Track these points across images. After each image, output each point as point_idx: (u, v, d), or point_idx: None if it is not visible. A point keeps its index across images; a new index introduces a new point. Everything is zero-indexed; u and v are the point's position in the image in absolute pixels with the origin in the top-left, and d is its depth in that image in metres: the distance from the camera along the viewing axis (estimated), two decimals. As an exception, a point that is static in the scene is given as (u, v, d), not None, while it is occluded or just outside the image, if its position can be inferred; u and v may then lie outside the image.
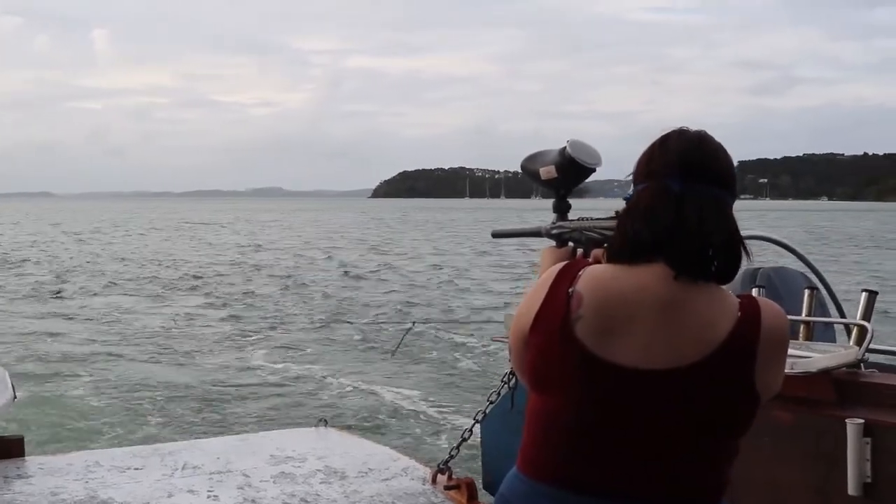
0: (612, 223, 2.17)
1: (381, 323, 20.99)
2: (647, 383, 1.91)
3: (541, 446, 2.03)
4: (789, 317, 2.17)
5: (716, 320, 1.93)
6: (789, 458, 3.51)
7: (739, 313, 1.94)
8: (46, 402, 12.61)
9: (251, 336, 19.16)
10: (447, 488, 4.45)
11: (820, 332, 4.27)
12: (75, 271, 35.58)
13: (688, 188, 1.96)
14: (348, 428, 7.54)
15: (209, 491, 4.38)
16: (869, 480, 3.25)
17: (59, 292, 26.78)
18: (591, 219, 2.47)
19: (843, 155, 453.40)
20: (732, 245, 1.98)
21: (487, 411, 4.54)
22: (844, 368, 3.56)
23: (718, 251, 1.96)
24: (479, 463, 4.97)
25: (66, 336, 19.03)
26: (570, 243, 2.51)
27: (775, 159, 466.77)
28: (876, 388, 3.47)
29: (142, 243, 56.40)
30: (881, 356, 4.13)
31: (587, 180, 2.64)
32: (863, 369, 3.64)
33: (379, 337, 18.77)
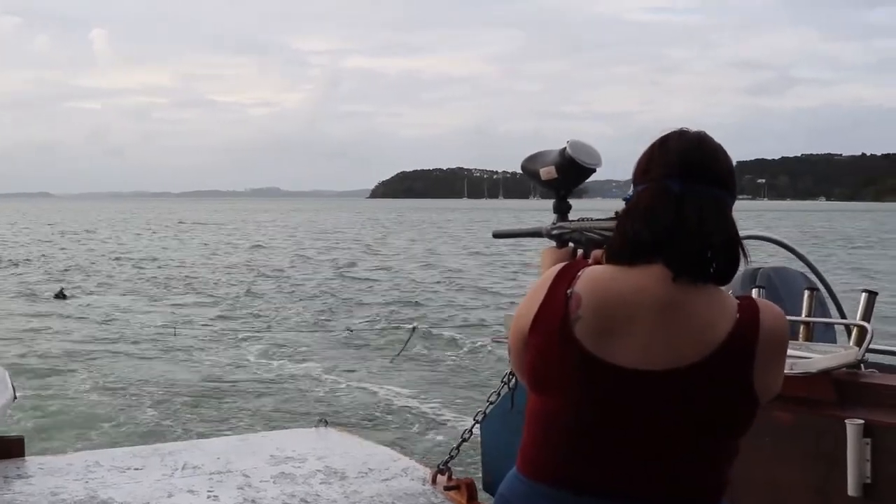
0: (613, 224, 2.17)
1: (381, 323, 21.00)
2: (646, 384, 1.91)
3: (540, 447, 2.03)
4: (788, 317, 2.17)
5: (715, 321, 1.93)
6: (789, 459, 3.51)
7: (738, 314, 1.94)
8: (46, 402, 12.62)
9: (250, 336, 19.15)
10: (447, 489, 4.45)
11: (820, 333, 4.26)
12: (72, 271, 35.55)
13: (688, 189, 1.96)
14: (348, 428, 7.53)
15: (209, 491, 4.38)
16: (869, 481, 3.25)
17: (61, 292, 26.78)
18: (592, 219, 2.47)
19: (840, 155, 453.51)
20: (732, 246, 1.98)
21: (487, 412, 4.54)
22: (844, 369, 3.57)
23: (718, 252, 1.96)
24: (479, 463, 4.97)
25: (65, 336, 19.03)
26: (571, 244, 2.51)
27: (773, 160, 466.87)
28: (876, 388, 3.47)
29: (139, 243, 56.39)
30: (881, 356, 4.14)
31: (586, 181, 2.64)
32: (863, 370, 3.65)
33: (379, 337, 18.78)
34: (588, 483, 1.95)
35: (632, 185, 2.09)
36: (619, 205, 2.12)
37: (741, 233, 2.04)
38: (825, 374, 3.51)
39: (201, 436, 9.80)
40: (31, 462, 4.85)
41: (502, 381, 4.31)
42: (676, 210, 1.95)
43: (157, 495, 4.33)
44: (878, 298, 4.09)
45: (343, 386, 14.11)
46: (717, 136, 2.07)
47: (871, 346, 3.73)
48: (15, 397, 5.13)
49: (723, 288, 2.00)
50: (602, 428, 1.94)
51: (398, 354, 15.73)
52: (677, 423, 1.91)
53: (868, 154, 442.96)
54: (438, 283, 31.61)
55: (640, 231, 1.97)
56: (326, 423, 5.67)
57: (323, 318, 22.24)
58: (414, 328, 17.37)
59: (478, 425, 4.66)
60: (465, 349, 17.22)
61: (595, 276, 1.99)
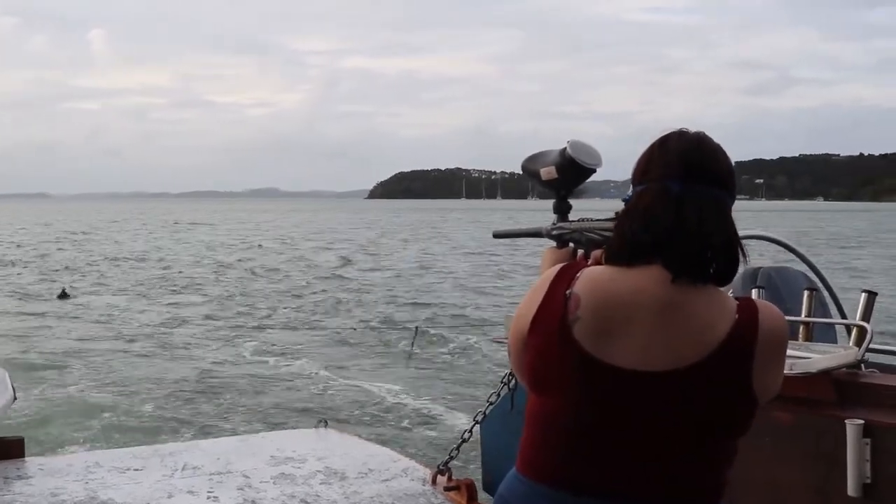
0: (613, 224, 2.17)
1: (380, 323, 21.01)
2: (645, 385, 1.91)
3: (540, 447, 2.03)
4: (788, 317, 2.17)
5: (714, 322, 1.93)
6: (789, 459, 3.51)
7: (737, 315, 1.94)
8: (46, 402, 12.63)
9: (250, 336, 19.15)
10: (447, 489, 4.44)
11: (820, 333, 4.27)
12: (70, 272, 35.53)
13: (687, 189, 1.96)
14: (348, 429, 7.54)
15: (209, 492, 4.37)
16: (868, 481, 3.26)
17: (63, 292, 26.79)
18: (592, 220, 2.48)
19: (838, 155, 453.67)
20: (731, 247, 1.98)
21: (487, 412, 4.54)
22: (844, 369, 3.57)
23: (718, 253, 1.96)
24: (479, 464, 4.97)
25: (65, 336, 19.04)
26: (571, 244, 2.51)
27: (771, 160, 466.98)
28: (876, 388, 3.48)
29: (136, 244, 56.38)
30: (881, 356, 4.15)
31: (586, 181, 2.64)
32: (863, 370, 3.65)
33: (379, 337, 18.79)
34: (587, 484, 1.95)
35: (631, 186, 2.08)
36: (617, 205, 2.11)
37: (741, 232, 2.04)
38: (825, 375, 3.51)
39: (201, 436, 9.81)
40: (31, 463, 4.85)
41: (502, 382, 4.30)
42: (676, 211, 1.94)
43: (157, 496, 4.32)
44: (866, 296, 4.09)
45: (343, 386, 14.12)
46: (716, 136, 2.06)
47: (871, 346, 3.74)
48: (15, 398, 5.12)
49: (723, 288, 2.00)
50: (601, 429, 1.94)
51: (410, 357, 15.76)
52: (676, 424, 1.91)
53: (866, 154, 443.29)
54: (435, 283, 31.62)
55: (639, 232, 1.97)
56: (326, 424, 5.66)
57: (322, 318, 22.23)
58: (416, 328, 17.39)
59: (478, 426, 4.65)
60: (465, 349, 17.23)
61: (594, 277, 1.99)
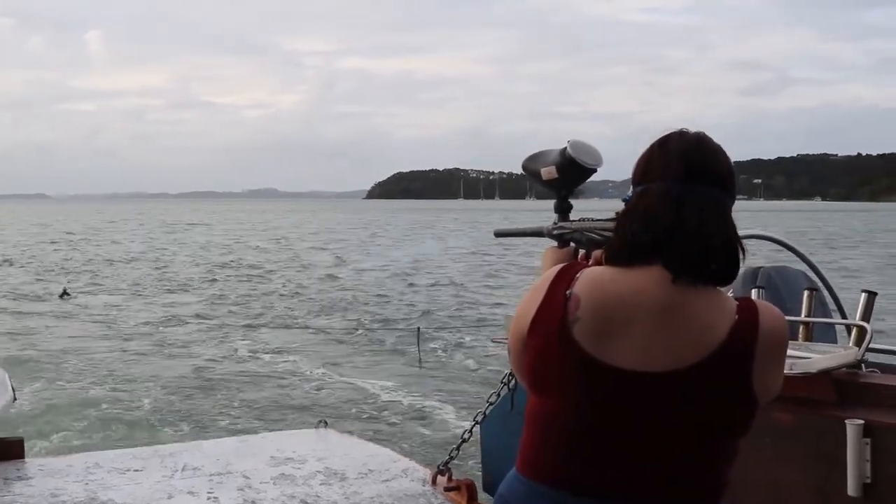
0: (614, 224, 2.17)
1: (379, 323, 21.02)
2: (645, 386, 1.91)
3: (540, 448, 2.03)
4: (788, 318, 2.17)
5: (714, 323, 1.92)
6: (789, 459, 3.51)
7: (737, 316, 1.94)
8: (46, 403, 12.63)
9: (248, 337, 19.17)
10: (447, 489, 4.44)
11: (821, 333, 4.27)
12: (68, 273, 35.52)
13: (688, 190, 1.96)
14: (348, 429, 7.54)
15: (209, 492, 4.38)
16: (868, 481, 3.25)
17: (65, 291, 26.78)
18: (593, 219, 2.47)
19: (836, 155, 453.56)
20: (732, 248, 1.98)
21: (487, 412, 4.53)
22: (844, 369, 3.57)
23: (718, 254, 1.95)
24: (479, 464, 4.97)
25: (65, 336, 19.04)
26: (572, 244, 2.51)
27: (769, 160, 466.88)
28: (876, 388, 3.47)
29: (133, 244, 56.36)
30: (882, 356, 4.14)
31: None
32: (863, 370, 3.65)
33: (379, 338, 18.80)
34: (587, 485, 1.95)
35: (630, 186, 2.08)
36: (616, 205, 2.11)
37: (740, 232, 2.04)
38: (825, 375, 3.50)
39: (201, 437, 9.81)
40: (31, 463, 4.85)
41: (502, 382, 4.30)
42: (676, 211, 1.94)
43: (157, 497, 4.33)
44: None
45: (342, 386, 14.13)
46: (715, 137, 2.06)
47: (871, 346, 3.74)
48: (15, 398, 5.12)
49: (723, 288, 2.00)
50: (601, 429, 1.94)
51: (420, 359, 15.75)
52: (676, 425, 1.91)
53: (864, 154, 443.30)
54: (432, 283, 31.63)
55: (639, 232, 1.97)
56: (326, 424, 5.66)
57: (321, 318, 22.24)
58: (418, 329, 17.40)
59: (478, 426, 4.65)
60: (465, 349, 17.23)
61: (594, 278, 1.99)
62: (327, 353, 17.14)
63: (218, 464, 4.81)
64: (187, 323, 21.14)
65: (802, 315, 4.13)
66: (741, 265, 2.01)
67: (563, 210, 2.64)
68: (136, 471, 4.70)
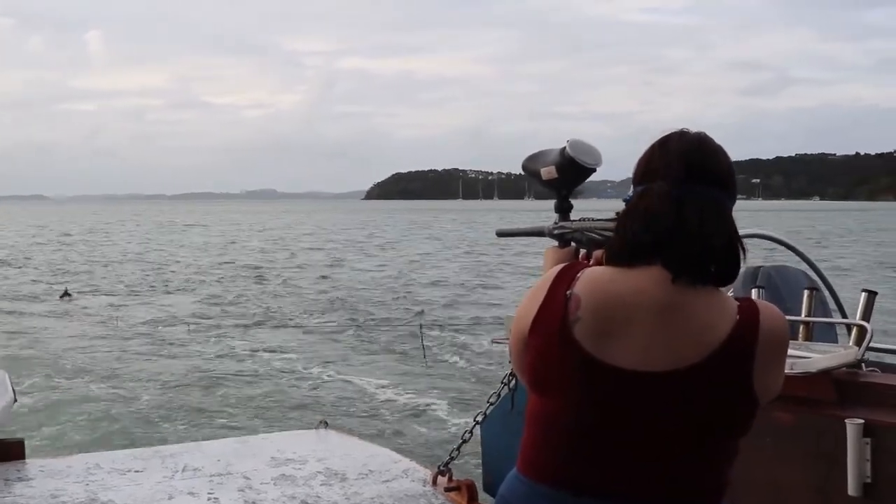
0: (615, 224, 2.17)
1: (378, 323, 21.02)
2: (645, 385, 1.91)
3: (540, 448, 2.03)
4: (788, 317, 2.17)
5: (714, 323, 1.92)
6: (790, 459, 3.51)
7: (738, 316, 1.94)
8: (47, 404, 12.63)
9: (249, 338, 19.16)
10: (448, 490, 4.44)
11: (821, 332, 4.27)
12: (66, 273, 35.53)
13: (688, 190, 1.96)
14: (349, 429, 7.54)
15: (209, 493, 4.37)
16: (869, 480, 3.25)
17: (66, 292, 26.78)
18: (594, 219, 2.48)
19: (835, 155, 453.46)
20: (732, 248, 1.98)
21: (488, 412, 4.53)
22: (844, 368, 3.57)
23: (718, 254, 1.96)
24: (480, 464, 4.97)
25: (64, 337, 19.04)
26: (573, 244, 2.51)
27: (768, 159, 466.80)
28: (876, 388, 3.47)
29: (131, 245, 56.37)
30: (883, 355, 4.15)
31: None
32: (863, 369, 3.66)
33: (379, 338, 18.80)
34: (587, 485, 1.95)
35: (629, 186, 2.08)
36: (614, 205, 2.12)
37: (741, 231, 2.04)
38: (825, 374, 3.51)
39: (201, 437, 9.81)
40: (32, 464, 4.85)
41: (502, 382, 4.30)
42: (677, 211, 1.94)
43: (157, 497, 4.32)
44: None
45: (342, 386, 14.13)
46: (714, 137, 2.07)
47: (872, 345, 3.74)
48: (15, 399, 5.12)
49: (724, 288, 2.00)
50: (602, 429, 1.94)
51: (425, 358, 15.75)
52: (677, 425, 1.91)
53: (862, 154, 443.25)
54: (428, 283, 31.65)
55: (639, 232, 1.97)
56: (327, 425, 5.66)
57: (320, 318, 22.24)
58: (420, 326, 17.40)
59: (478, 426, 4.65)
60: (465, 349, 17.24)
61: (594, 278, 1.99)
62: (327, 353, 17.15)
63: (218, 464, 4.81)
64: (186, 323, 21.14)
65: (802, 315, 4.13)
66: (742, 265, 2.02)
67: (564, 210, 2.64)
68: (137, 471, 4.70)
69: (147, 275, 34.96)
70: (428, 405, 12.82)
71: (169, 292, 28.85)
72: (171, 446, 5.76)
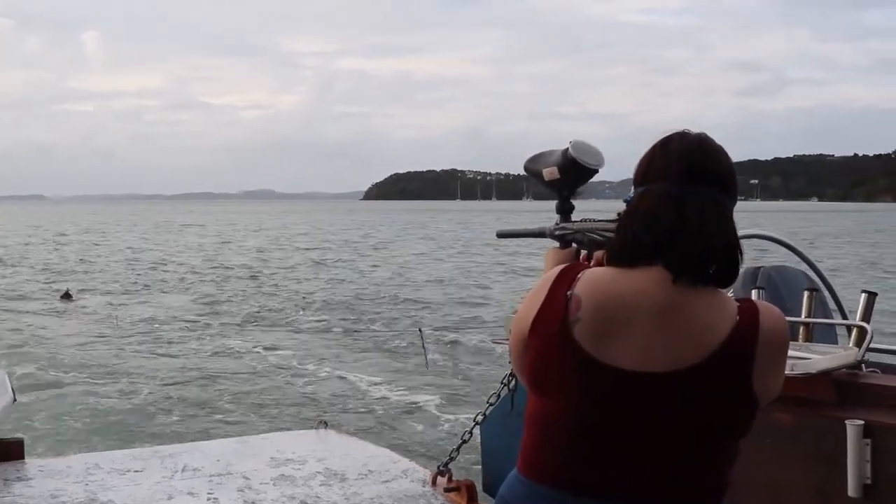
0: (615, 225, 2.17)
1: (378, 324, 21.03)
2: (645, 386, 1.91)
3: (540, 448, 2.03)
4: (788, 318, 2.18)
5: (714, 323, 1.92)
6: (790, 460, 3.51)
7: (738, 317, 1.94)
8: (46, 404, 12.62)
9: (248, 338, 19.14)
10: (447, 490, 4.44)
11: (821, 332, 4.27)
12: (64, 273, 35.52)
13: (689, 191, 1.96)
14: (348, 430, 7.53)
15: (209, 493, 4.38)
16: (869, 481, 3.26)
17: (67, 293, 26.76)
18: (595, 220, 2.48)
19: (833, 156, 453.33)
20: (732, 249, 1.98)
21: (487, 413, 4.53)
22: (844, 369, 3.57)
23: (718, 254, 1.96)
24: (479, 465, 4.97)
25: (64, 337, 19.02)
26: (574, 244, 2.51)
27: (766, 160, 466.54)
28: (876, 389, 3.48)
29: (128, 245, 56.37)
30: (883, 356, 4.16)
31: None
32: (863, 370, 3.66)
33: (378, 339, 18.80)
34: (587, 485, 1.95)
35: (629, 187, 2.08)
36: (612, 206, 2.12)
37: (741, 232, 2.04)
38: (825, 375, 3.51)
39: (201, 437, 9.80)
40: (31, 464, 4.85)
41: (502, 383, 4.30)
42: (677, 212, 1.94)
43: (156, 497, 4.32)
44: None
45: (342, 387, 14.12)
46: (713, 137, 2.06)
47: (872, 346, 3.75)
48: (14, 399, 5.12)
49: (724, 289, 2.00)
50: (601, 430, 1.94)
51: (426, 362, 15.73)
52: (676, 426, 1.91)
53: (860, 154, 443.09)
54: (426, 283, 31.66)
55: (640, 233, 1.97)
56: (326, 425, 5.66)
57: (319, 318, 22.23)
58: (420, 330, 17.39)
59: (478, 427, 4.65)
60: (464, 350, 17.23)
61: (595, 279, 1.99)
62: (326, 353, 17.14)
63: (218, 465, 4.81)
64: (185, 323, 21.15)
65: (803, 315, 4.14)
66: (741, 266, 2.02)
67: (566, 211, 2.64)
68: (136, 471, 4.70)
69: (141, 274, 34.96)
70: (427, 405, 12.81)
71: (165, 292, 28.85)
72: (171, 446, 5.76)
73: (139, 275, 34.76)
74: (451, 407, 12.62)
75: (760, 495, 3.55)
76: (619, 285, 1.96)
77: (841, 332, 4.50)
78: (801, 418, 3.47)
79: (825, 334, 4.35)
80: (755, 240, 4.77)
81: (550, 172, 2.61)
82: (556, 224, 2.60)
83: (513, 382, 4.07)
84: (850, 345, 3.81)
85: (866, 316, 3.90)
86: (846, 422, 3.26)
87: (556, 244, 2.56)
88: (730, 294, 2.03)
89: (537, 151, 2.70)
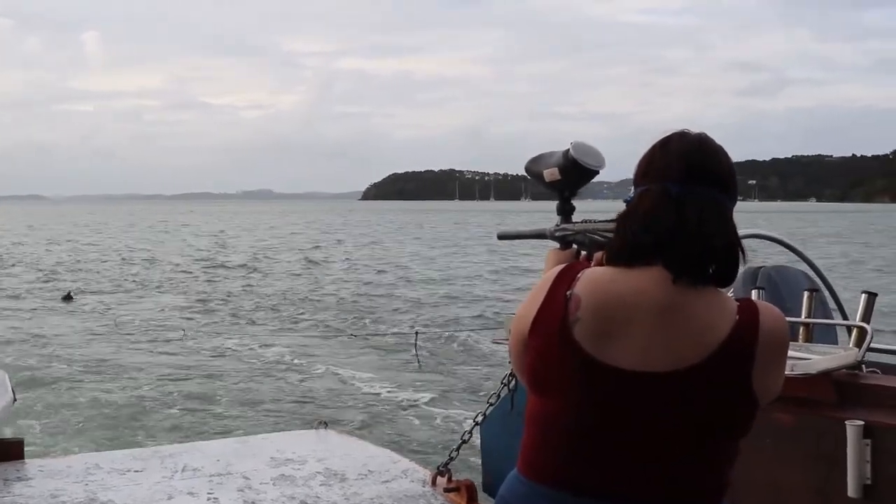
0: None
1: (377, 325, 21.03)
2: (645, 386, 1.91)
3: (540, 448, 2.03)
4: (788, 318, 2.18)
5: (714, 323, 1.92)
6: (790, 460, 3.51)
7: (738, 316, 1.94)
8: (46, 404, 12.63)
9: (248, 338, 19.15)
10: (447, 490, 4.44)
11: (821, 333, 4.27)
12: (62, 274, 35.50)
13: (688, 191, 1.96)
14: (348, 430, 7.54)
15: (209, 493, 4.37)
16: (869, 482, 3.25)
17: (68, 294, 26.75)
18: (595, 221, 2.48)
19: (831, 156, 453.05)
20: (732, 249, 1.98)
21: (487, 413, 4.53)
22: (844, 370, 3.57)
23: (718, 254, 1.96)
24: (479, 465, 4.96)
25: (64, 338, 19.01)
26: (574, 245, 2.51)
27: (764, 161, 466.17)
28: (876, 389, 3.48)
29: (127, 245, 56.35)
30: (883, 356, 4.15)
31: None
32: (863, 370, 3.66)
33: (377, 339, 18.79)
34: (587, 485, 1.95)
35: (626, 187, 2.09)
36: (610, 206, 2.12)
37: (741, 232, 2.04)
38: (825, 376, 3.51)
39: (201, 437, 9.81)
40: (31, 464, 4.84)
41: (502, 383, 4.30)
42: (677, 212, 1.95)
43: (156, 497, 4.32)
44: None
45: (342, 387, 14.13)
46: (712, 137, 2.07)
47: (872, 346, 3.75)
48: (15, 399, 5.12)
49: (724, 289, 2.00)
50: (601, 430, 1.94)
51: (419, 363, 15.71)
52: (676, 426, 1.91)
53: (859, 155, 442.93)
54: (425, 281, 31.67)
55: (639, 233, 1.97)
56: (326, 425, 5.65)
57: (319, 318, 22.23)
58: (416, 332, 17.38)
59: (477, 427, 4.65)
60: (464, 350, 17.23)
61: (595, 278, 1.99)
62: (325, 353, 17.15)
63: (218, 465, 4.80)
64: (185, 323, 21.16)
65: (803, 316, 4.13)
66: (741, 266, 2.02)
67: (566, 212, 2.64)
68: (136, 471, 4.70)
69: (140, 274, 34.97)
70: (427, 405, 12.82)
71: (162, 291, 28.87)
72: (171, 446, 5.75)
73: (138, 274, 34.76)
74: (451, 407, 12.62)
75: (760, 495, 3.55)
76: (618, 285, 1.96)
77: (841, 332, 4.50)
78: (801, 418, 3.47)
79: (825, 334, 4.34)
80: (755, 240, 4.77)
81: (551, 173, 2.61)
82: (557, 225, 2.61)
83: (513, 382, 4.07)
84: (851, 345, 3.81)
85: (866, 316, 3.90)
86: (846, 422, 3.26)
87: (557, 245, 2.56)
88: (730, 294, 2.03)
89: (537, 152, 2.70)
